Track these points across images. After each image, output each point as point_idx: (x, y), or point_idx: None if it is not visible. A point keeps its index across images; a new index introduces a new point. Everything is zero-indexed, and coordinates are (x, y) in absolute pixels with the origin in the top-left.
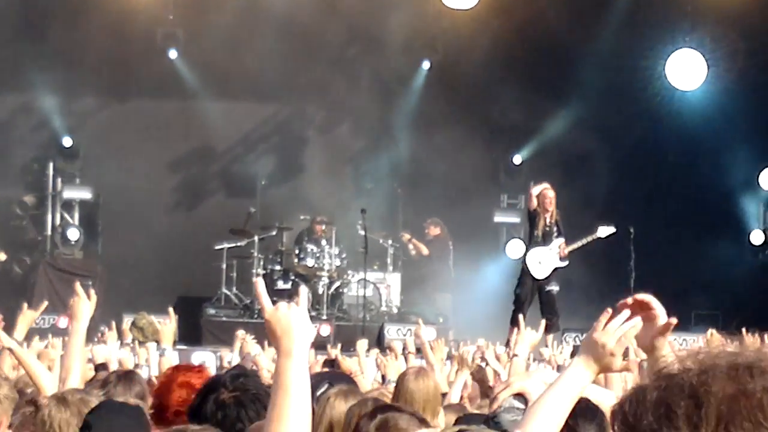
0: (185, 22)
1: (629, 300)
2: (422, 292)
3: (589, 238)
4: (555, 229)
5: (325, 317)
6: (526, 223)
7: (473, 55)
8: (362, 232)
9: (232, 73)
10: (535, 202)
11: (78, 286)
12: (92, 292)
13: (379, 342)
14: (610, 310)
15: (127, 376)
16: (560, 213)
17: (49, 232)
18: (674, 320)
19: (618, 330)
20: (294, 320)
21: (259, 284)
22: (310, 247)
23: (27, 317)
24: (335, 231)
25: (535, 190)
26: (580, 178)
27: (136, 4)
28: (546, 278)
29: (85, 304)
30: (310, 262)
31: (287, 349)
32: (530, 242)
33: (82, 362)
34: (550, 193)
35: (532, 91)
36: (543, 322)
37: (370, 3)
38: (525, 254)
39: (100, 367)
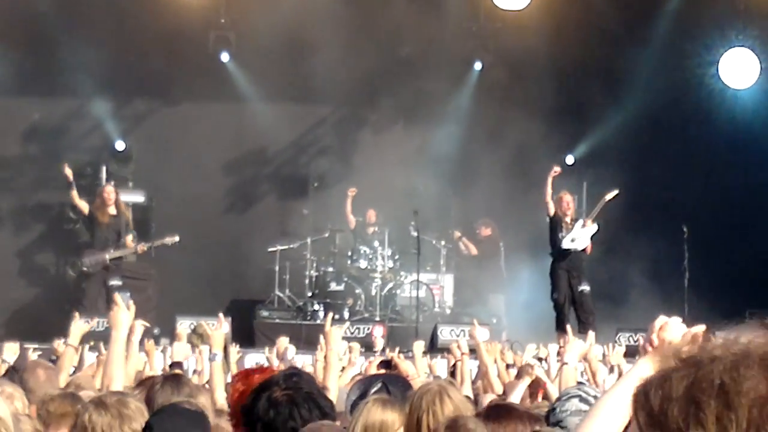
0: (237, 25)
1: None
2: (475, 293)
3: (601, 203)
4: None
5: (378, 318)
6: (549, 230)
7: (525, 56)
8: (415, 234)
9: (284, 75)
10: (552, 209)
11: (117, 295)
12: (131, 302)
13: (432, 343)
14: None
15: (174, 378)
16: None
17: None
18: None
19: (682, 328)
20: None
21: None
22: (363, 248)
23: (79, 326)
24: (388, 232)
25: (549, 195)
26: (633, 178)
27: (188, 7)
28: (577, 277)
29: (124, 313)
30: (362, 263)
31: None
32: (557, 244)
33: (124, 370)
34: (567, 197)
35: (584, 91)
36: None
37: (422, 4)
38: (554, 259)
39: (176, 365)
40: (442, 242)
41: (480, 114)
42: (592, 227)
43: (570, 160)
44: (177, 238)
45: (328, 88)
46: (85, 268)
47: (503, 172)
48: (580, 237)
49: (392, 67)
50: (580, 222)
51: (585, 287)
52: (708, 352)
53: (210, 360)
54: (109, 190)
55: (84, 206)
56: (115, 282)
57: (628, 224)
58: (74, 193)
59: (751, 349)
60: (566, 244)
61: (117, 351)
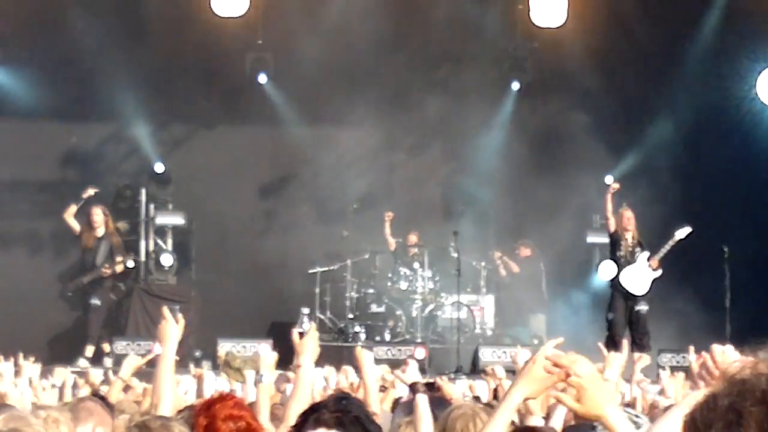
0: (275, 47)
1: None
2: (516, 314)
3: (671, 243)
4: (638, 247)
5: (419, 340)
6: (609, 246)
7: (563, 75)
8: (455, 255)
9: (321, 97)
10: (613, 225)
11: (165, 309)
12: (180, 316)
13: (474, 365)
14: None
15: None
16: (641, 233)
17: (143, 258)
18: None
19: (734, 353)
20: None
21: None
22: (403, 270)
23: (132, 361)
24: (428, 253)
25: (610, 212)
26: (673, 198)
27: (224, 28)
28: (636, 297)
29: (173, 327)
30: (403, 285)
31: None
32: (617, 264)
33: (173, 387)
34: (628, 213)
35: (622, 111)
36: (624, 341)
37: (459, 24)
38: (614, 278)
39: None
40: (483, 263)
41: (518, 134)
42: (657, 273)
43: (609, 179)
44: (132, 263)
45: (365, 110)
46: (69, 294)
47: (542, 191)
48: (641, 279)
49: (430, 88)
50: (645, 255)
51: (642, 307)
52: (754, 369)
53: (257, 383)
54: (97, 212)
55: (75, 226)
56: (94, 301)
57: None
58: (71, 210)
59: None
60: (625, 280)
61: (165, 367)
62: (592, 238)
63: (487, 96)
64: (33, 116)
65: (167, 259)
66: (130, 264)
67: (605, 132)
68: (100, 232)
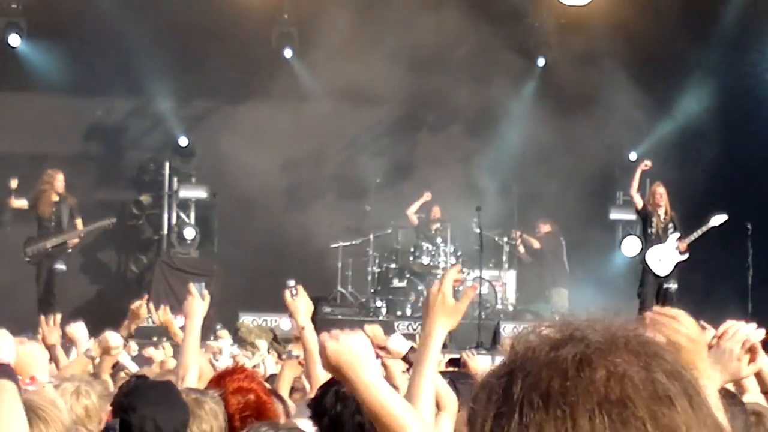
0: (300, 21)
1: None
2: (538, 289)
3: (705, 228)
4: (671, 225)
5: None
6: (640, 223)
7: (588, 52)
8: (477, 230)
9: (346, 73)
10: (639, 202)
11: (192, 285)
12: (206, 292)
13: (494, 340)
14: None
15: None
16: (674, 211)
17: (165, 231)
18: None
19: (742, 334)
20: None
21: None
22: (425, 245)
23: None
24: (450, 229)
25: (635, 189)
26: (697, 175)
27: (251, 3)
28: (666, 275)
29: (199, 303)
30: (425, 260)
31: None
32: (646, 241)
33: (199, 360)
34: (660, 189)
35: (647, 88)
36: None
37: (484, 1)
38: (643, 254)
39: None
40: (505, 239)
41: (542, 110)
42: (683, 256)
43: (633, 156)
44: (114, 220)
45: (389, 86)
46: (27, 258)
47: (566, 167)
48: (666, 260)
49: (454, 64)
50: (674, 237)
51: (672, 285)
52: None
53: (286, 358)
54: (59, 177)
55: (23, 204)
56: (59, 266)
57: (691, 221)
58: (12, 200)
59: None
60: (650, 259)
61: (192, 341)
62: (615, 215)
63: (512, 72)
64: (58, 90)
65: (190, 233)
66: (109, 226)
67: (629, 108)
68: (56, 196)
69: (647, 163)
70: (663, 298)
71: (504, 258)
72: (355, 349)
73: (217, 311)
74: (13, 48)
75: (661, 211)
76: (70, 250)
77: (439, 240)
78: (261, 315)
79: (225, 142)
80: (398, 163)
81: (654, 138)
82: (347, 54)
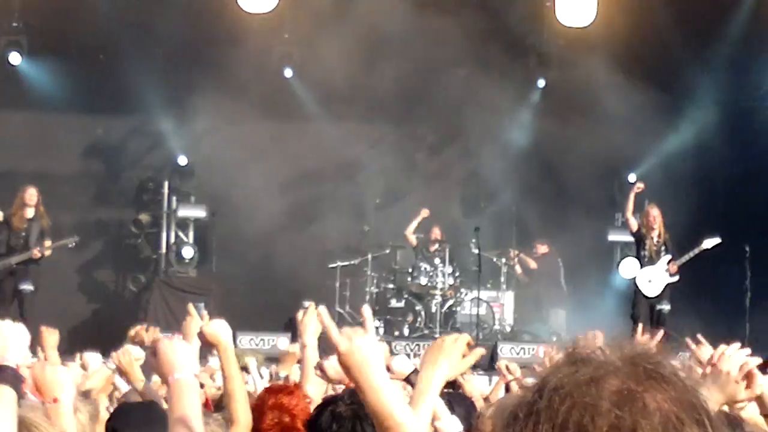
0: (300, 41)
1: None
2: (536, 310)
3: (696, 251)
4: (663, 247)
5: (438, 336)
6: (635, 245)
7: (588, 73)
8: (476, 251)
9: (345, 92)
10: (634, 224)
11: (191, 306)
12: (205, 312)
13: (492, 361)
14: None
15: None
16: (669, 233)
17: (163, 250)
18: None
19: (740, 358)
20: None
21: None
22: (424, 265)
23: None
24: (449, 249)
25: (630, 211)
26: (695, 197)
27: (251, 22)
28: (658, 297)
29: (198, 324)
30: (423, 280)
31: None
32: (640, 263)
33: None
34: (654, 211)
35: (647, 110)
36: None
37: (485, 21)
38: (635, 275)
39: None
40: (503, 259)
41: (542, 132)
42: (674, 278)
43: (632, 178)
44: (77, 238)
45: (389, 107)
46: None
47: (564, 189)
48: (656, 281)
49: (454, 84)
50: (666, 259)
51: (665, 306)
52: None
53: (302, 347)
54: (31, 192)
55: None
56: (25, 287)
57: (688, 243)
58: None
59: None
60: (641, 280)
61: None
62: (613, 236)
63: (512, 93)
64: (58, 109)
65: (188, 252)
66: (71, 245)
67: (628, 130)
68: (30, 213)
69: (639, 186)
70: (656, 319)
71: (502, 279)
72: (365, 351)
73: None
74: (14, 66)
75: (655, 234)
76: (38, 264)
77: (437, 260)
78: (258, 334)
79: (224, 162)
80: (397, 183)
81: (654, 159)
82: (347, 74)
